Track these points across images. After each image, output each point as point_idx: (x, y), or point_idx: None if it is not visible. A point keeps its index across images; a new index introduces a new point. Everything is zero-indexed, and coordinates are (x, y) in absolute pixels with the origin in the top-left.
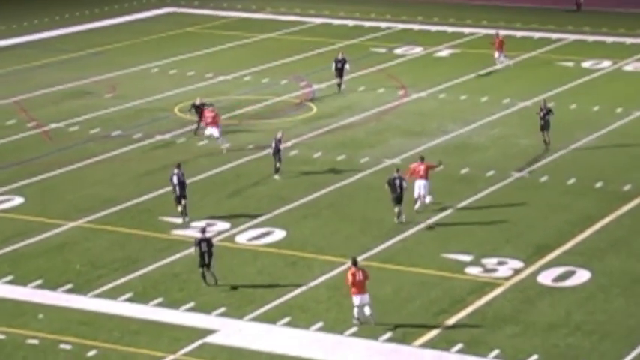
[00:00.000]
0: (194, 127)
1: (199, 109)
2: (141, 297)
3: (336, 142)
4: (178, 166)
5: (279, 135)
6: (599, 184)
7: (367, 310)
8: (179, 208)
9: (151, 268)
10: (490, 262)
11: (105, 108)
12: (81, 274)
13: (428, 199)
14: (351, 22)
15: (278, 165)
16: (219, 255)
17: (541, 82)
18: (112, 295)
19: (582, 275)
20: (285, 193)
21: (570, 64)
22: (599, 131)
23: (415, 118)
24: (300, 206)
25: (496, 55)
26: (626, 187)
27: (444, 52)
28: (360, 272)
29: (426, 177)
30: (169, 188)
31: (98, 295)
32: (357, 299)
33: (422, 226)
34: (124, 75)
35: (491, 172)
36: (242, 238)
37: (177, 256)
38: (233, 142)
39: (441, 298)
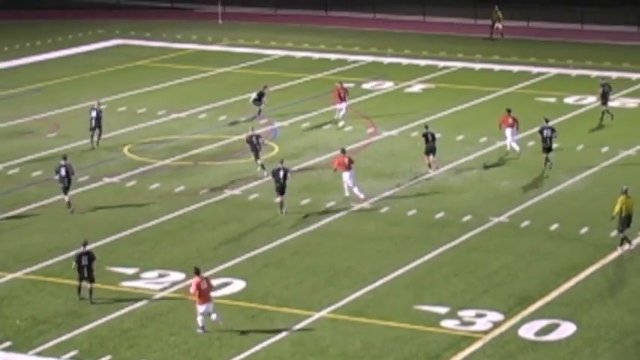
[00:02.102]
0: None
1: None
2: (87, 355)
3: (300, 185)
4: (64, 158)
5: (250, 132)
6: (584, 230)
7: (214, 316)
8: (66, 198)
9: (97, 323)
10: (468, 314)
11: (47, 148)
12: (21, 331)
13: (357, 189)
14: (315, 55)
15: (259, 161)
16: (173, 308)
17: (521, 119)
18: (56, 352)
19: (567, 328)
20: (244, 241)
21: (552, 99)
22: (583, 172)
23: (386, 158)
24: (261, 254)
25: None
26: (613, 233)
27: (417, 87)
28: (205, 281)
29: (350, 168)
30: (119, 235)
31: (40, 354)
32: (202, 308)
33: (393, 276)
34: (67, 112)
35: (468, 217)
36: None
37: (127, 309)
38: (187, 186)
39: (415, 354)
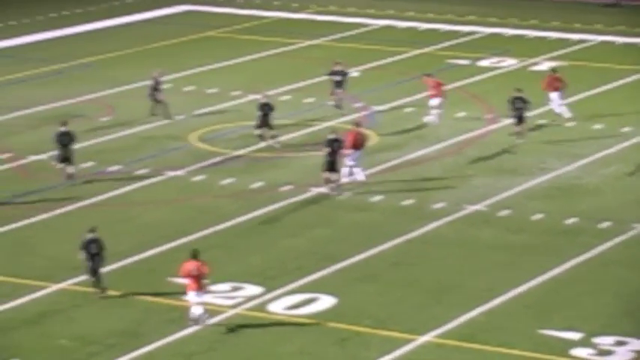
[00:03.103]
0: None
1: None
2: None
3: (401, 182)
4: (64, 124)
5: (263, 99)
6: None
7: (199, 310)
8: (59, 166)
9: (157, 345)
10: (604, 341)
11: (99, 136)
12: (67, 352)
13: (358, 170)
14: (422, 25)
15: (273, 132)
16: (248, 328)
17: None
18: None
19: None
20: (333, 249)
21: None
22: None
23: (506, 150)
24: (354, 266)
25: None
26: None
27: (544, 65)
28: (198, 267)
29: (362, 146)
30: (184, 239)
31: None
32: (192, 295)
33: (513, 293)
34: (123, 93)
35: (606, 224)
36: (277, 307)
37: (192, 330)
38: (265, 181)
39: None
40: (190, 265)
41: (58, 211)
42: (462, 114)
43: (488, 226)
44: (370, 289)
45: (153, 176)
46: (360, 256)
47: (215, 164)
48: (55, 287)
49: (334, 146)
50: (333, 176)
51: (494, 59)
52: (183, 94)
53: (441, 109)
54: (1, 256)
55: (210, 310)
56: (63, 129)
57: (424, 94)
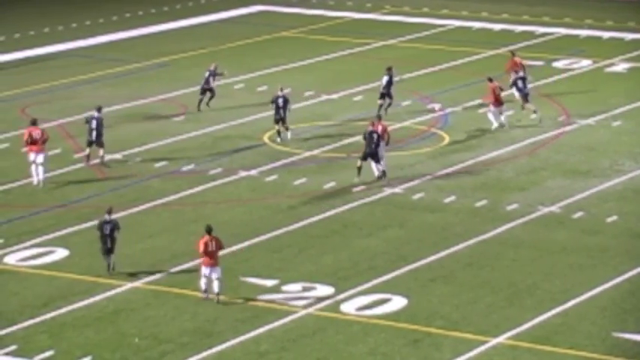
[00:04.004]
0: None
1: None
2: None
3: (474, 183)
4: (99, 110)
5: (279, 92)
6: None
7: (216, 287)
8: (87, 151)
9: (230, 344)
10: None
11: (173, 135)
12: (140, 350)
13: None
14: (496, 26)
15: (286, 125)
16: (320, 328)
17: None
18: None
19: None
20: (406, 249)
21: None
22: None
23: (581, 152)
24: (427, 267)
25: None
26: None
27: (620, 67)
28: (214, 242)
29: (383, 138)
30: (257, 239)
31: None
32: (205, 270)
33: (588, 296)
34: (197, 92)
35: None
36: (349, 307)
37: (265, 329)
38: (338, 182)
39: None
40: (205, 240)
41: (132, 210)
42: (534, 115)
43: (562, 228)
44: (443, 290)
45: (226, 176)
46: (433, 257)
47: (288, 164)
48: (129, 285)
49: (373, 137)
50: (378, 167)
51: (569, 60)
52: (256, 94)
53: (502, 113)
54: (78, 254)
55: (283, 311)
56: (96, 114)
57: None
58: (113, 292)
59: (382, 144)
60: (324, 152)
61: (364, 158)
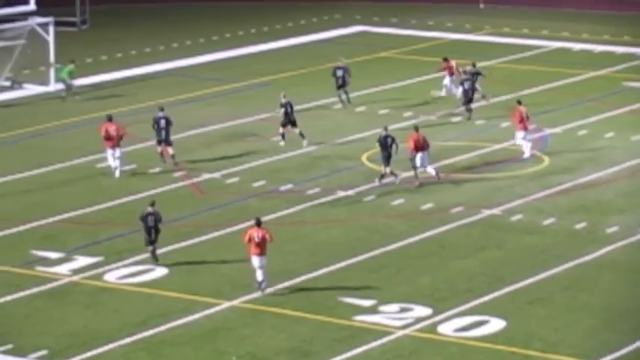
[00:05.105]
0: None
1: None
2: None
3: (574, 205)
4: (162, 109)
5: (283, 99)
6: None
7: (259, 275)
8: (170, 150)
9: None
10: None
11: (272, 154)
12: None
13: (430, 168)
14: (597, 48)
15: (298, 130)
16: (416, 349)
17: None
18: None
19: None
20: (504, 271)
21: None
22: None
23: None
24: (525, 289)
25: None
26: None
27: None
28: (260, 233)
29: (424, 148)
30: (354, 259)
31: None
32: (256, 260)
33: None
34: (297, 112)
35: None
36: (447, 329)
37: (361, 349)
38: (436, 202)
39: None
40: (254, 232)
41: (229, 229)
42: (637, 137)
43: None
44: (541, 313)
45: (324, 196)
46: (531, 279)
47: (386, 185)
48: (226, 304)
49: (388, 142)
50: (387, 169)
51: None
52: (355, 115)
53: (527, 141)
54: (176, 272)
55: (380, 331)
56: (161, 114)
57: (599, 116)
58: (211, 310)
59: (394, 148)
60: (421, 173)
61: (387, 164)
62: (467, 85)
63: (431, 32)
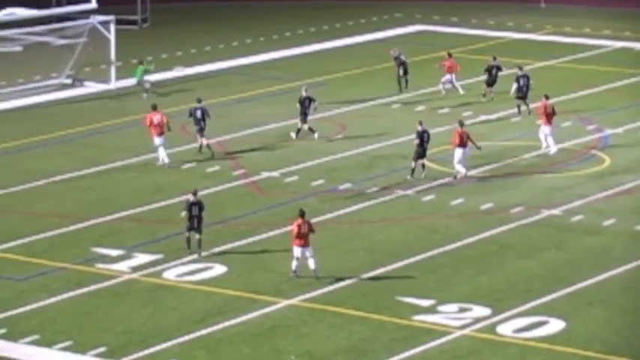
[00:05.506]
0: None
1: None
2: None
3: (635, 206)
4: (199, 101)
5: (304, 93)
6: None
7: (312, 264)
8: (204, 141)
9: None
10: None
11: (331, 153)
12: None
13: (460, 166)
14: None
15: (306, 126)
16: (475, 350)
17: None
18: None
19: None
20: (564, 272)
21: None
22: None
23: None
24: (585, 289)
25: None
26: None
27: None
28: (307, 225)
29: (466, 145)
30: (413, 259)
31: None
32: (297, 250)
33: None
34: (355, 111)
35: None
36: (506, 329)
37: (420, 349)
38: (496, 202)
39: None
40: (299, 223)
41: (288, 228)
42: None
43: None
44: (601, 314)
45: (383, 195)
46: (591, 280)
47: (445, 184)
48: (285, 303)
49: (424, 137)
50: (421, 161)
51: None
52: (414, 114)
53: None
54: (235, 270)
55: (438, 331)
56: (200, 105)
57: None
58: (270, 309)
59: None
60: (482, 173)
61: (418, 158)
62: (522, 81)
63: (492, 32)
